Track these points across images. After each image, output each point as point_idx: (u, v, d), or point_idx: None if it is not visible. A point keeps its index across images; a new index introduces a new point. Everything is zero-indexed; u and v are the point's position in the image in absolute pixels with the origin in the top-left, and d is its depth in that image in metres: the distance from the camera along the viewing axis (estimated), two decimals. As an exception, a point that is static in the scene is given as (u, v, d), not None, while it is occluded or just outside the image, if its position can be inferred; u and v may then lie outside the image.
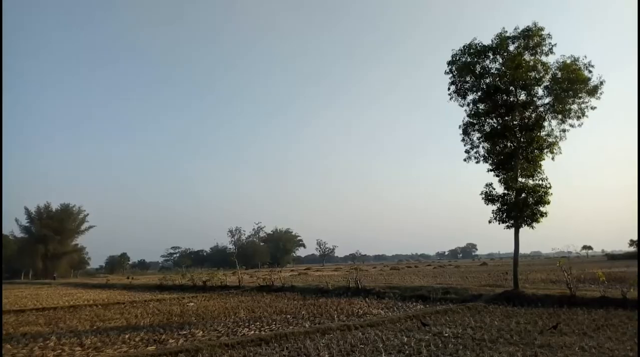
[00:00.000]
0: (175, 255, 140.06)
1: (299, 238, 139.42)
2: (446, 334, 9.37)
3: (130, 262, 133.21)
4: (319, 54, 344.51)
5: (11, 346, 9.95)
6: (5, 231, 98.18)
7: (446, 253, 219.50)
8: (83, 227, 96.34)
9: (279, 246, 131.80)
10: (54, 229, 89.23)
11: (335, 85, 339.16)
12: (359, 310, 13.99)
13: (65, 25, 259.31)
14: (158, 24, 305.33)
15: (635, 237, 76.66)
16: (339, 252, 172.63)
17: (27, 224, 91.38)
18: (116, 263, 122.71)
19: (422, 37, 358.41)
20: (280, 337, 9.44)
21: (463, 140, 18.29)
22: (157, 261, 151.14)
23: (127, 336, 10.65)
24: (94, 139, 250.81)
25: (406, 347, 8.20)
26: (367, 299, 17.31)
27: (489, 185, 17.42)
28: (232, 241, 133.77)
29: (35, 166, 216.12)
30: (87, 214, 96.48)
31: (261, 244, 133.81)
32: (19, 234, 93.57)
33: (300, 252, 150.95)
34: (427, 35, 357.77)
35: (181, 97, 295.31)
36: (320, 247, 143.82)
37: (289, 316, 13.14)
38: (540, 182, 16.63)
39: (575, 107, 16.75)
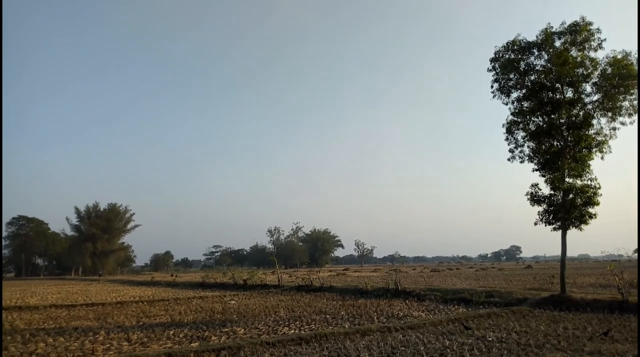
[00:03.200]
0: (216, 254, 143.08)
1: (337, 238, 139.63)
2: (490, 338, 9.14)
3: (173, 260, 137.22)
4: (359, 54, 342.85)
5: (64, 339, 10.42)
6: (56, 229, 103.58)
7: (489, 255, 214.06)
8: (129, 226, 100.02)
9: (317, 246, 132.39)
10: (102, 227, 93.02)
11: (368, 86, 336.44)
12: (399, 312, 13.85)
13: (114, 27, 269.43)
14: (189, 27, 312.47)
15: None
16: (378, 253, 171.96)
17: (77, 223, 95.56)
18: (160, 261, 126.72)
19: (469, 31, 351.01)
20: (320, 337, 9.48)
21: (507, 139, 17.79)
22: (199, 259, 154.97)
23: (171, 332, 10.96)
24: (139, 142, 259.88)
25: (448, 350, 8.05)
26: (407, 301, 17.13)
27: (535, 185, 16.87)
28: (271, 240, 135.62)
29: (87, 167, 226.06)
30: (133, 213, 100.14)
31: (299, 244, 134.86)
32: (69, 232, 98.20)
33: (339, 253, 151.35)
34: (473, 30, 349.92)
35: (217, 97, 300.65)
36: (358, 248, 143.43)
37: (328, 316, 13.17)
38: (589, 182, 15.95)
39: (626, 104, 15.98)
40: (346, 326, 11.11)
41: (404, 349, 8.36)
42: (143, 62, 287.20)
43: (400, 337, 9.57)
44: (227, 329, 11.20)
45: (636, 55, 15.56)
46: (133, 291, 29.19)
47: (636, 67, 15.39)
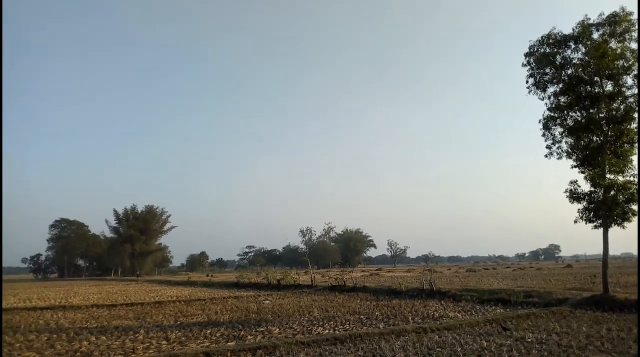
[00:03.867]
0: (250, 254, 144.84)
1: (369, 238, 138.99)
2: (529, 340, 8.93)
3: (208, 261, 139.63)
4: (416, 57, 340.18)
5: (106, 337, 10.78)
6: (96, 231, 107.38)
7: (526, 255, 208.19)
8: (165, 227, 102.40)
9: (349, 246, 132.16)
10: (140, 229, 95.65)
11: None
12: (434, 312, 13.69)
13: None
14: (236, 31, 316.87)
15: None
16: (411, 253, 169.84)
17: (116, 225, 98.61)
18: (196, 261, 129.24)
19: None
20: (355, 337, 9.47)
21: (544, 135, 17.29)
22: (233, 259, 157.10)
23: (208, 331, 11.18)
24: (174, 147, 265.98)
25: (486, 352, 7.92)
26: (442, 301, 16.91)
27: (574, 182, 16.34)
28: (303, 240, 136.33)
29: (124, 170, 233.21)
30: (169, 215, 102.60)
31: (332, 244, 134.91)
32: (108, 234, 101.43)
33: (371, 253, 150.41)
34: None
35: (254, 100, 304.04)
36: (391, 248, 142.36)
37: (362, 317, 13.14)
38: (632, 178, 15.35)
39: (671, 96, 15.30)
40: (381, 327, 11.07)
41: (440, 350, 8.26)
42: (190, 71, 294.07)
43: (436, 338, 9.46)
44: (262, 329, 11.34)
45: None
46: (170, 291, 29.90)
47: None
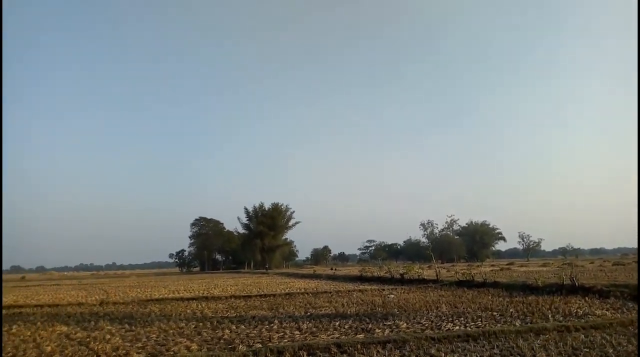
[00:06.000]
0: (370, 248, 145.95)
1: (497, 231, 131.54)
2: (701, 345, 7.72)
3: (331, 255, 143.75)
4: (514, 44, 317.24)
5: (244, 326, 11.62)
6: (230, 228, 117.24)
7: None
8: (290, 223, 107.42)
9: (475, 239, 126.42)
10: (268, 225, 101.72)
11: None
12: (578, 310, 12.47)
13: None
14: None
15: None
16: (546, 246, 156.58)
17: (247, 222, 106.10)
18: (320, 255, 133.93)
19: None
20: (489, 334, 9.01)
21: None
22: (354, 253, 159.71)
23: (337, 323, 11.47)
24: (294, 145, 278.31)
25: (645, 356, 7.01)
26: (586, 298, 15.34)
27: None
28: (424, 234, 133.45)
29: (248, 170, 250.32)
30: (293, 211, 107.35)
31: (456, 237, 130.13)
32: (240, 230, 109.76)
33: (500, 246, 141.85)
34: None
35: (360, 95, 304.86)
36: (523, 241, 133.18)
37: (495, 313, 12.46)
38: None
39: None
40: (517, 324, 10.39)
41: (587, 350, 7.52)
42: (310, 71, 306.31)
43: (581, 337, 8.62)
44: (389, 323, 11.31)
45: None
46: (298, 283, 31.27)
47: None
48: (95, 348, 9.16)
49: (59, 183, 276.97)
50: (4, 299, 23.77)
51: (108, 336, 10.61)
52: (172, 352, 8.60)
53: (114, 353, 8.72)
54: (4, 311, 17.84)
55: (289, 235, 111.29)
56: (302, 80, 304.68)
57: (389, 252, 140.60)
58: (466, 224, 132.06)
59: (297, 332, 10.46)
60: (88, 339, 10.26)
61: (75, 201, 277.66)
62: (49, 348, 9.30)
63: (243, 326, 11.64)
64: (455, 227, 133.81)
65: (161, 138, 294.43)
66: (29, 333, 11.53)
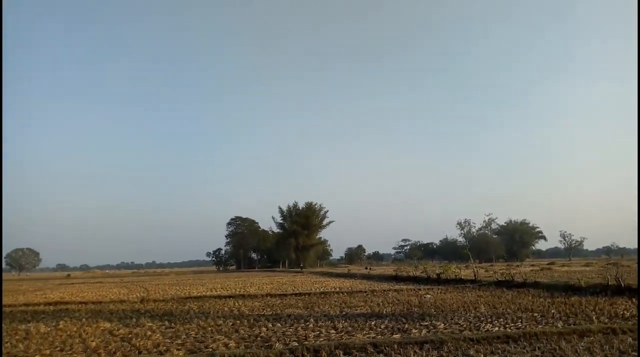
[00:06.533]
0: (405, 247, 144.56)
1: (537, 230, 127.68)
2: None
3: (365, 254, 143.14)
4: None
5: (280, 324, 11.70)
6: (265, 227, 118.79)
7: None
8: (324, 222, 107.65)
9: (514, 239, 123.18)
10: (302, 224, 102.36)
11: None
12: (624, 312, 11.96)
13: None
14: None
15: None
16: (589, 245, 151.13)
17: (281, 221, 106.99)
18: (354, 254, 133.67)
19: None
20: (530, 336, 8.75)
21: None
22: (389, 252, 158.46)
23: (372, 323, 11.40)
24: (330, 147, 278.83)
25: (700, 362, 6.65)
26: (633, 299, 14.70)
27: None
28: (461, 233, 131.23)
29: (279, 172, 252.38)
30: (327, 211, 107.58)
31: (494, 236, 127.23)
32: (275, 229, 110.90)
33: (540, 246, 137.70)
34: None
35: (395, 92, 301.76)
36: (564, 240, 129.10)
37: (536, 314, 12.09)
38: None
39: None
40: (559, 325, 10.05)
41: (635, 354, 7.19)
42: (341, 70, 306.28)
43: (629, 340, 8.25)
44: (426, 323, 11.16)
45: None
46: (333, 282, 31.24)
47: None
48: (137, 344, 9.43)
49: (104, 187, 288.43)
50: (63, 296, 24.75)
51: (149, 333, 10.90)
52: (210, 349, 8.75)
53: (155, 349, 8.96)
54: (51, 307, 18.66)
55: (323, 234, 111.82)
56: (339, 83, 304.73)
57: (424, 251, 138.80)
58: (505, 222, 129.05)
59: (332, 331, 10.45)
60: (130, 336, 10.58)
61: (119, 204, 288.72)
62: (93, 344, 9.64)
63: (279, 324, 11.72)
64: (494, 226, 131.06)
65: (190, 141, 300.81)
66: (75, 329, 11.99)
